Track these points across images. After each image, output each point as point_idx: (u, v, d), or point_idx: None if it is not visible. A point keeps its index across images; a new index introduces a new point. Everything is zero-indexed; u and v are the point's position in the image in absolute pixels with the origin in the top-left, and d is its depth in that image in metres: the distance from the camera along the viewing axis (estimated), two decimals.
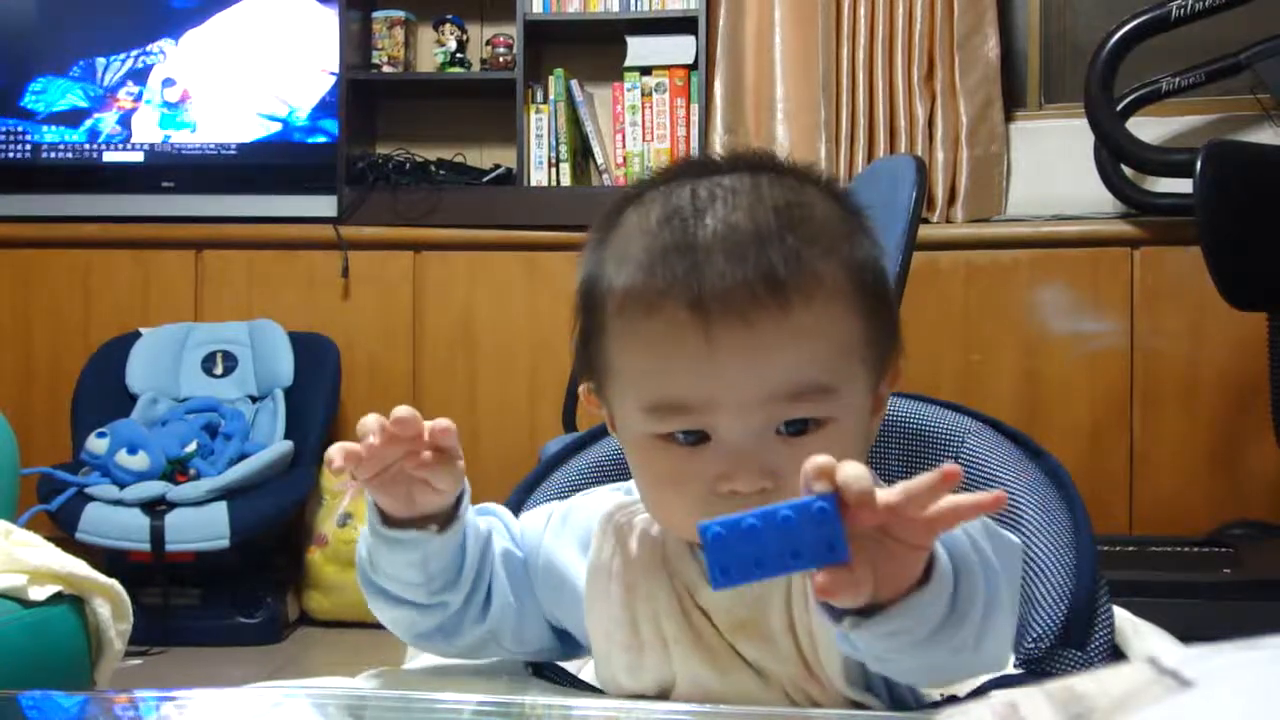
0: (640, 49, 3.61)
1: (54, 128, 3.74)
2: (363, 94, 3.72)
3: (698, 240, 0.77)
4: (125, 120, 3.75)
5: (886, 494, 0.63)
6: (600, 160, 3.64)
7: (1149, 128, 3.36)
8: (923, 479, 0.63)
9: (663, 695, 0.84)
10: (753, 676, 0.82)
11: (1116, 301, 3.33)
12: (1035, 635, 0.90)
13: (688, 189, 0.80)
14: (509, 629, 0.91)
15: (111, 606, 1.69)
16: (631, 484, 0.88)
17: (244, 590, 3.17)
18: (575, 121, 3.64)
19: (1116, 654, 0.90)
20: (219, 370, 3.47)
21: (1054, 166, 3.56)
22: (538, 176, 3.60)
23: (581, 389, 0.86)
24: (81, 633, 1.66)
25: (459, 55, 3.71)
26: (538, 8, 3.61)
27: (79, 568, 1.67)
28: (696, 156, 0.85)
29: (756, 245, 0.76)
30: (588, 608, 0.87)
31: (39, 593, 1.61)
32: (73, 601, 1.66)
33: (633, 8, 3.59)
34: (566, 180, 3.60)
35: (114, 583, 1.70)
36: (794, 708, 0.80)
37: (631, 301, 0.78)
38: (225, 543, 3.04)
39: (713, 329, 0.75)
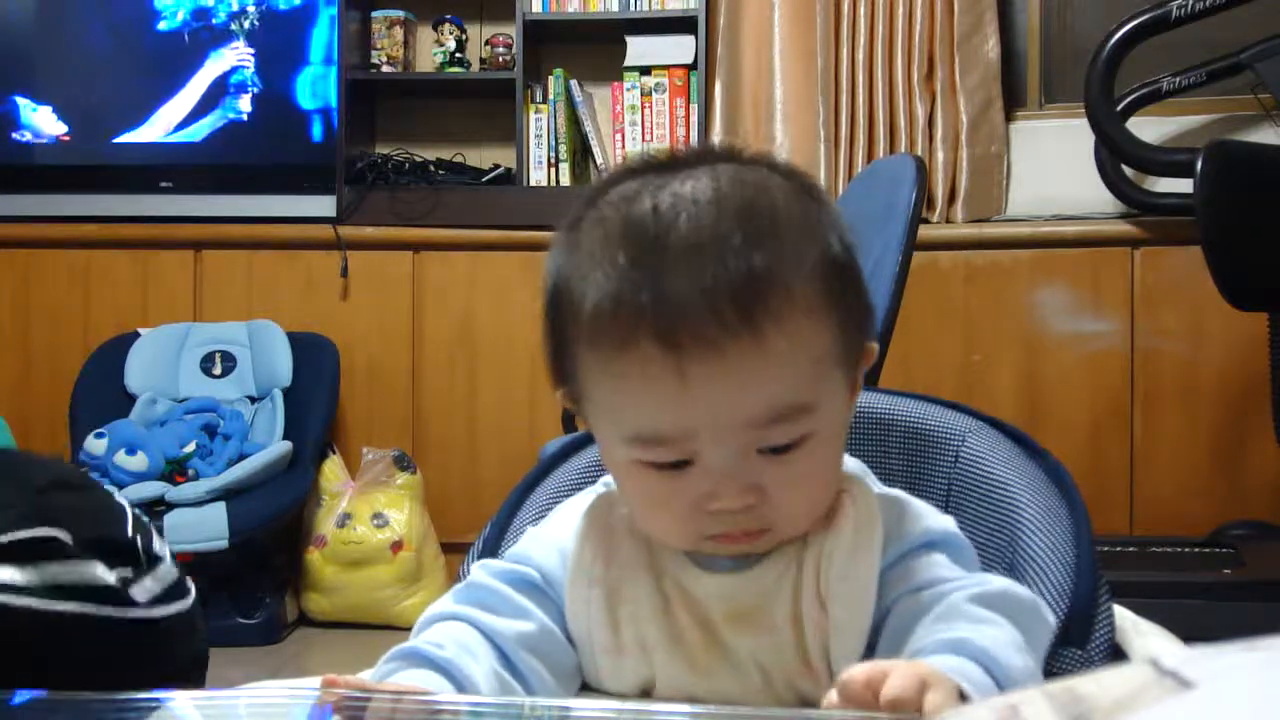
0: (640, 49, 3.61)
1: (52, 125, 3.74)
2: (362, 93, 3.72)
3: (661, 264, 0.74)
4: (122, 119, 3.75)
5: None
6: (600, 160, 3.64)
7: (1149, 128, 3.36)
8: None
9: (644, 696, 0.84)
10: (734, 678, 0.81)
11: (1116, 301, 3.33)
12: None
13: (647, 201, 0.77)
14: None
15: None
16: (609, 477, 0.88)
17: (243, 591, 3.17)
18: (574, 121, 3.64)
19: (1117, 653, 0.90)
20: (218, 370, 3.47)
21: (1054, 166, 3.56)
22: (537, 176, 3.60)
23: (559, 394, 0.85)
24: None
25: (458, 55, 3.71)
26: (537, 7, 3.61)
27: None
28: (651, 155, 0.80)
29: (722, 266, 0.74)
30: (569, 612, 0.86)
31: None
32: None
33: (632, 8, 3.59)
34: (566, 180, 3.60)
35: None
36: (787, 708, 0.80)
37: (600, 332, 0.77)
38: (224, 543, 3.04)
39: (684, 363, 0.73)
